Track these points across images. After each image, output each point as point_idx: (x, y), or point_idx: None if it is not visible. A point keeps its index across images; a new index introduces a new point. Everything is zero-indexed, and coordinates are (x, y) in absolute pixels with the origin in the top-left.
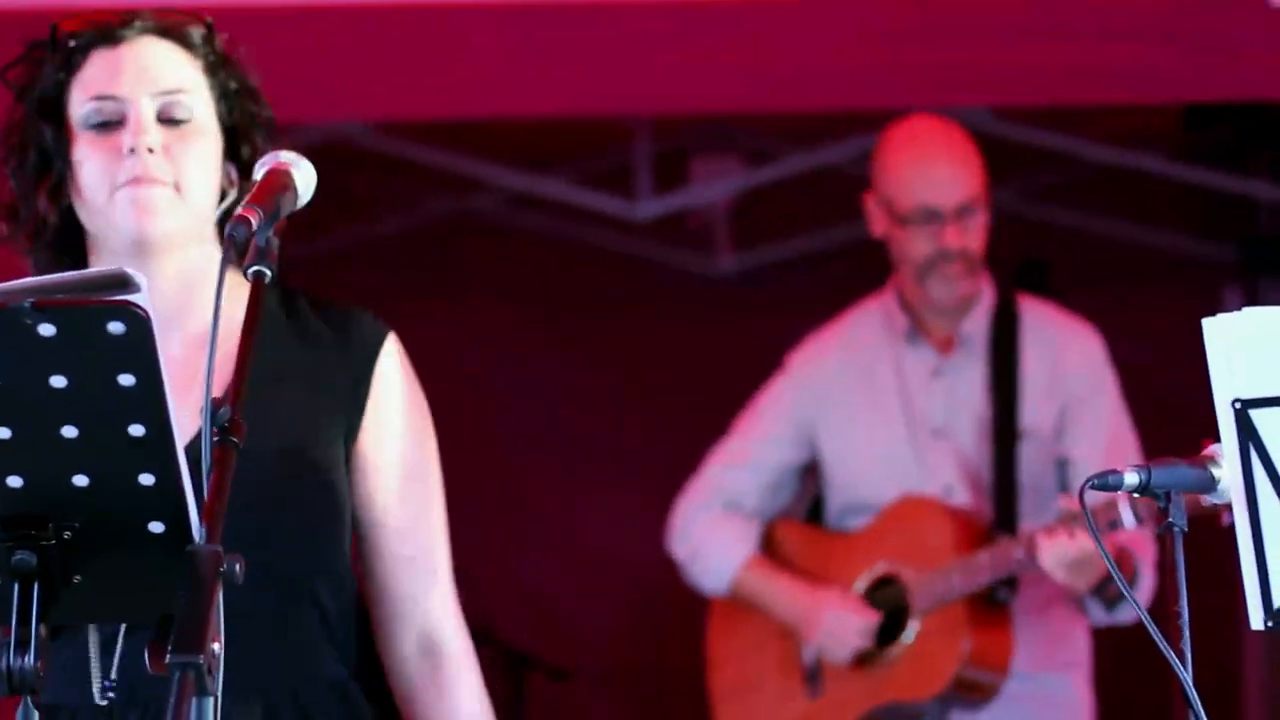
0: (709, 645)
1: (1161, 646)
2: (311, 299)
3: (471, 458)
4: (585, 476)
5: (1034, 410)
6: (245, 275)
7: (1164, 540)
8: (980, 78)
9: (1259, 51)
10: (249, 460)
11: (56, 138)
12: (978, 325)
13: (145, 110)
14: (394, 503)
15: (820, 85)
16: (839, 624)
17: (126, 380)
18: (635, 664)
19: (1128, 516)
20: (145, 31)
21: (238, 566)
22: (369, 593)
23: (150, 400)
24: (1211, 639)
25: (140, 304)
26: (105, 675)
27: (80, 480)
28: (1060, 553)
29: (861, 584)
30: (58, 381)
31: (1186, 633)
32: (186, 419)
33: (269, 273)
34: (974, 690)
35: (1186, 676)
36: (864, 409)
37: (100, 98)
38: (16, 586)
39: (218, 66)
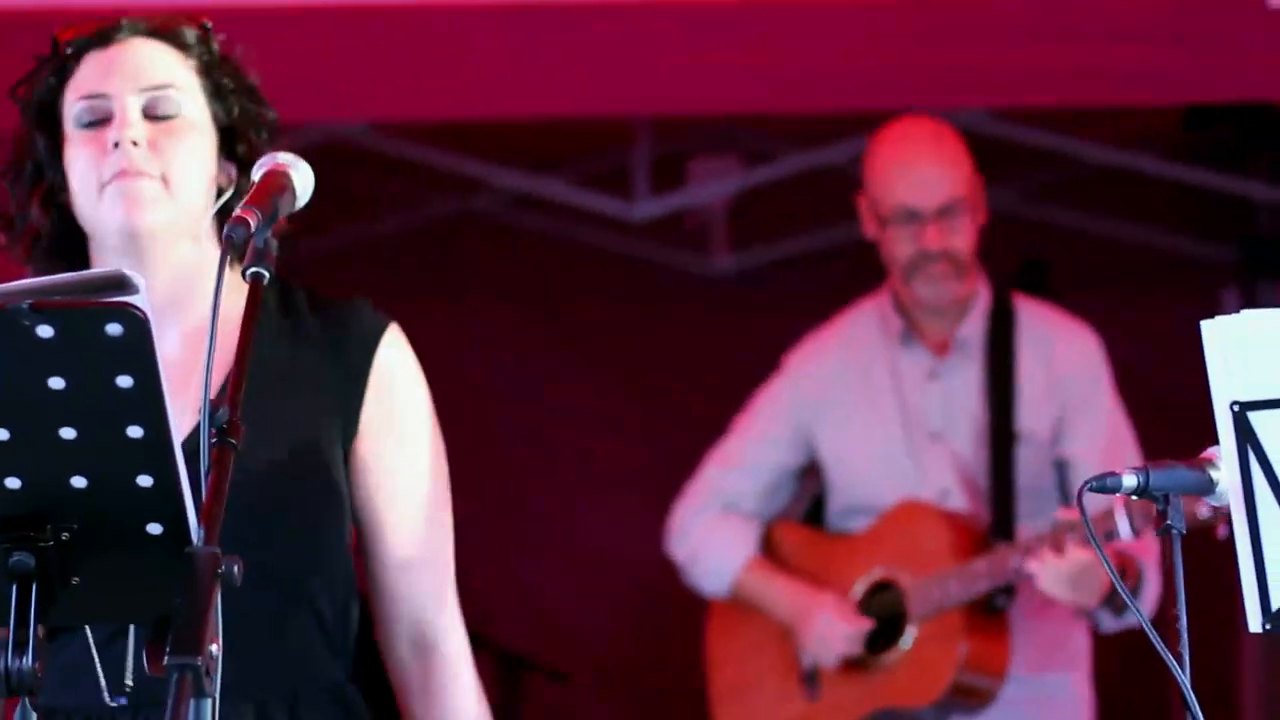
0: (708, 646)
1: (1159, 649)
2: (310, 296)
3: (470, 457)
4: (583, 477)
5: (1031, 413)
6: (244, 276)
7: (1162, 543)
8: (980, 79)
9: (1259, 52)
10: (246, 462)
11: (50, 145)
12: (974, 328)
13: (131, 105)
14: (393, 501)
15: (819, 86)
16: (828, 629)
17: (125, 381)
18: (633, 665)
19: (1124, 527)
20: (136, 33)
21: (236, 568)
22: (368, 591)
23: (148, 401)
24: (1210, 641)
25: (139, 305)
26: (118, 678)
27: (78, 481)
28: (1053, 572)
29: (859, 589)
30: (56, 383)
31: (1185, 635)
32: (182, 416)
33: (267, 274)
34: (971, 695)
35: (1185, 679)
36: (861, 411)
37: (88, 97)
38: (15, 588)
39: (212, 65)
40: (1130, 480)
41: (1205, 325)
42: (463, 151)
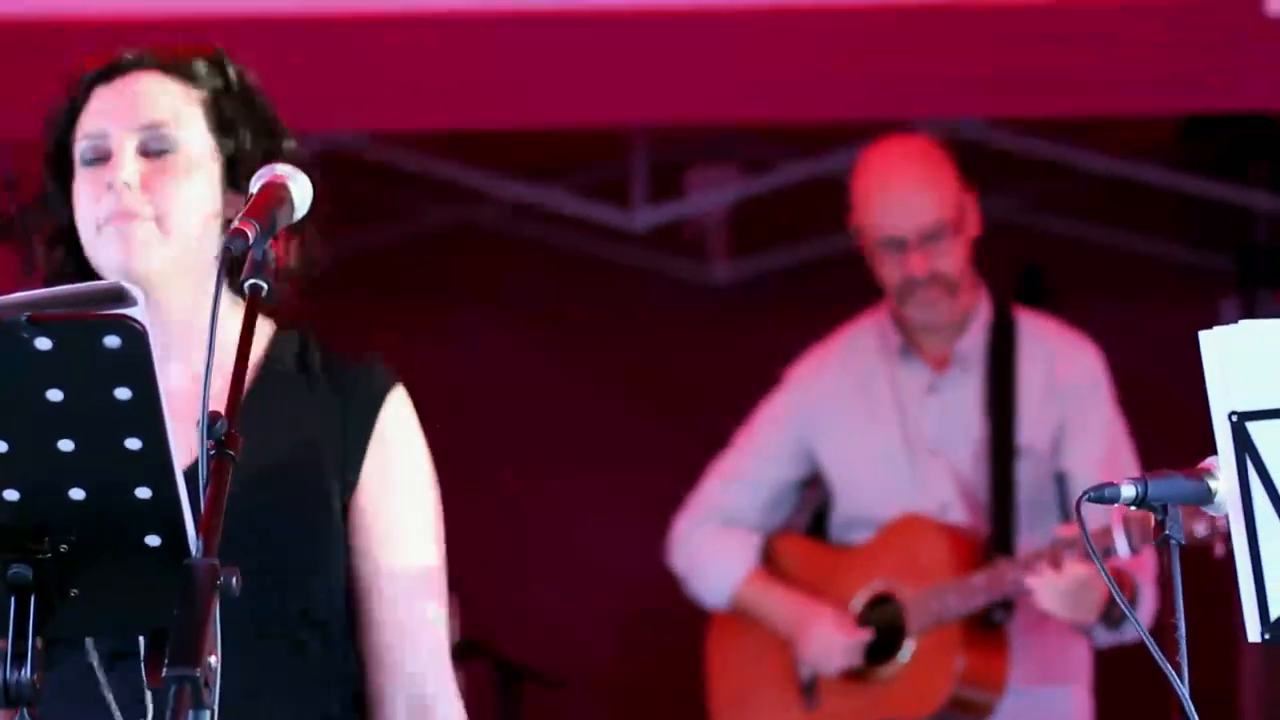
0: (708, 656)
1: (1158, 659)
2: (326, 351)
3: (468, 467)
4: (581, 486)
5: (1031, 426)
6: (241, 289)
7: (1161, 553)
8: (978, 89)
9: (1257, 62)
10: (240, 501)
11: (61, 182)
12: (974, 342)
13: (126, 145)
14: (387, 556)
15: (816, 96)
16: (825, 641)
17: (123, 394)
18: (630, 675)
19: (1122, 545)
20: (142, 66)
21: (234, 579)
22: (360, 651)
23: (147, 414)
24: (1209, 651)
25: (136, 318)
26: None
27: (77, 493)
28: (1051, 588)
29: (859, 601)
30: (54, 395)
31: (1183, 645)
32: (185, 450)
33: (265, 286)
34: (969, 709)
35: (1184, 689)
36: (862, 425)
37: (90, 135)
38: (13, 600)
39: (220, 96)
40: (1129, 490)
41: (1203, 336)
42: (462, 161)
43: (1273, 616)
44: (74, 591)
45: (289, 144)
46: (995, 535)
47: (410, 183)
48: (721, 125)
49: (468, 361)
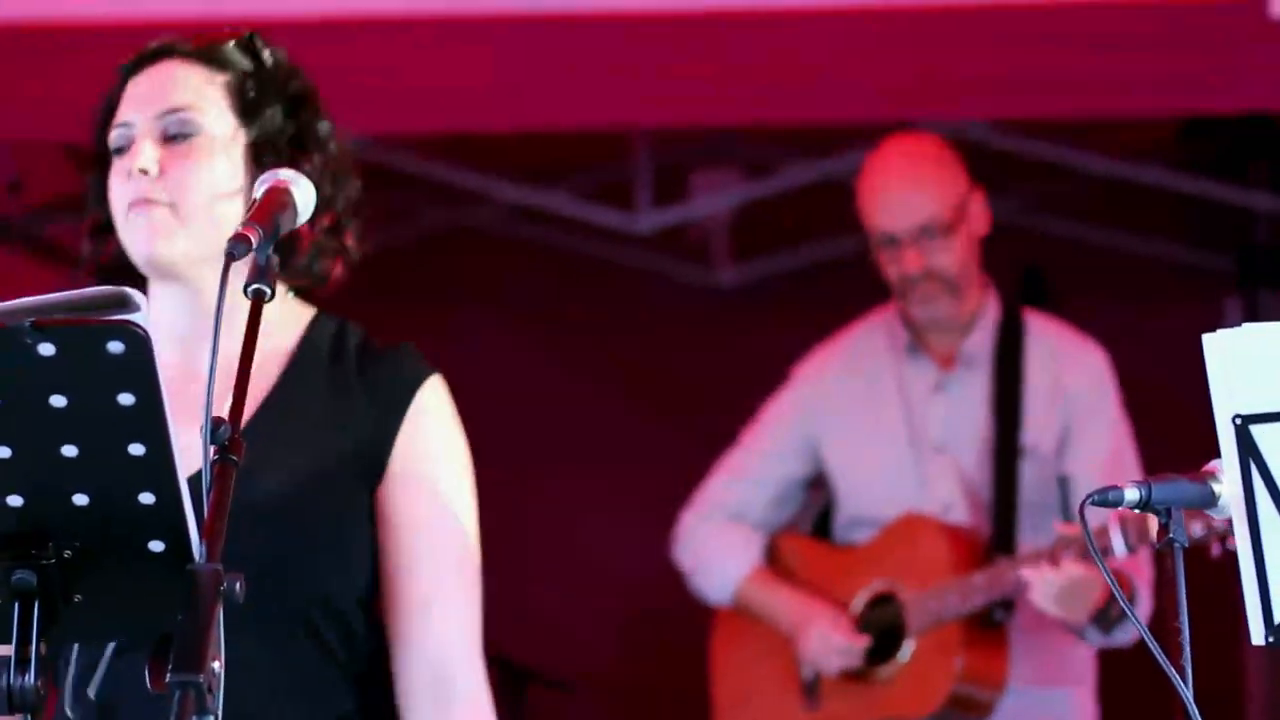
0: (713, 655)
1: (1162, 662)
2: (362, 339)
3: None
4: (584, 488)
5: (1036, 427)
6: (245, 293)
7: (1165, 556)
8: (980, 91)
9: (1259, 63)
10: (259, 488)
11: (102, 176)
12: (981, 341)
13: (146, 132)
14: (412, 543)
15: (820, 98)
16: (823, 643)
17: (126, 399)
18: (630, 675)
19: (1118, 544)
20: (171, 55)
21: (238, 585)
22: (390, 642)
23: (150, 419)
24: (1213, 654)
25: (139, 323)
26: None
27: (80, 499)
28: (1046, 584)
29: (860, 601)
30: (57, 401)
31: (1187, 649)
32: (197, 444)
33: (268, 291)
34: (970, 708)
35: (1187, 692)
36: (867, 423)
37: (118, 125)
38: (16, 605)
39: (246, 78)
40: (1132, 494)
41: (1206, 339)
42: (464, 164)
43: (1277, 619)
44: (78, 597)
45: (323, 127)
46: (997, 536)
47: (412, 185)
48: (724, 128)
49: (469, 364)
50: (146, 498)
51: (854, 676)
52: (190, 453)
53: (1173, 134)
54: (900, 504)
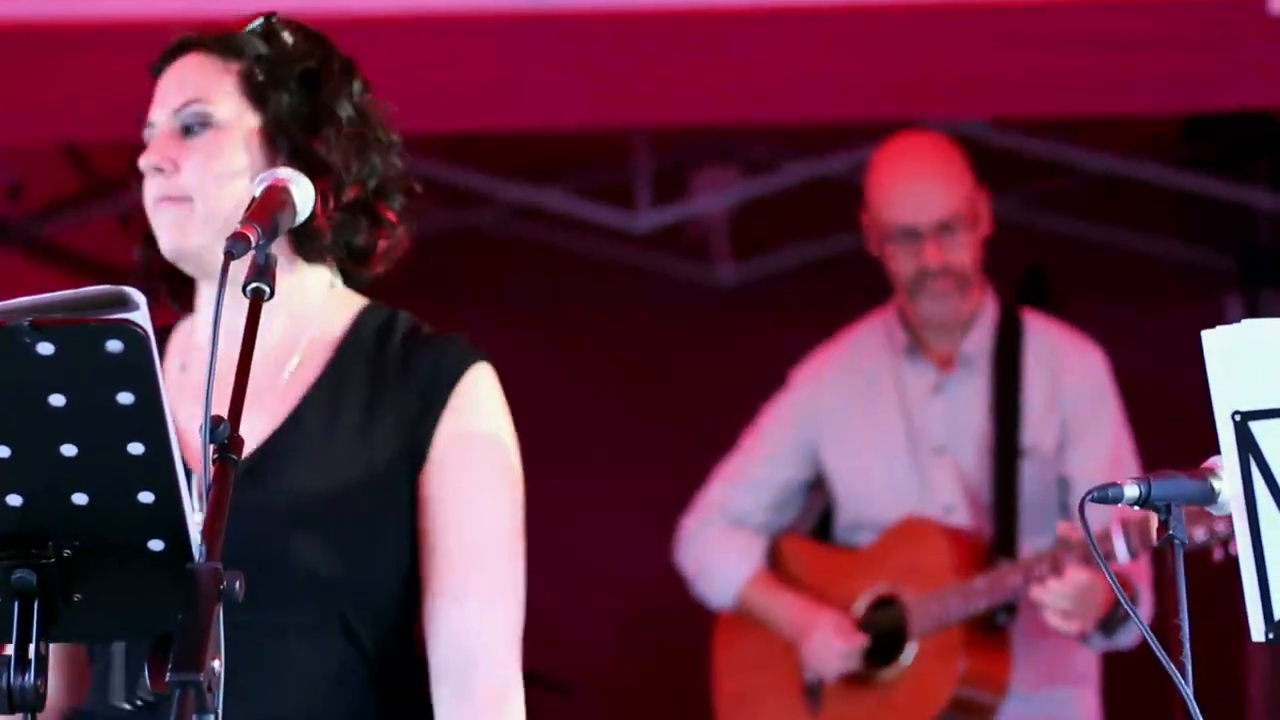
0: (715, 657)
1: (1162, 659)
2: (410, 327)
3: None
4: (584, 487)
5: (1036, 428)
6: (244, 292)
7: (1164, 553)
8: (979, 89)
9: (1260, 60)
10: (292, 479)
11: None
12: (980, 342)
13: (163, 129)
14: (447, 529)
15: (819, 96)
16: (824, 646)
17: (125, 398)
18: (630, 676)
19: (1121, 549)
20: (188, 48)
21: (237, 584)
22: (424, 629)
23: (149, 418)
24: (1214, 651)
25: (139, 322)
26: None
27: (80, 498)
28: (1057, 599)
29: (862, 604)
30: (56, 400)
31: (1187, 646)
32: (266, 418)
33: (267, 289)
34: (972, 711)
35: (1187, 689)
36: (866, 426)
37: (147, 125)
38: (16, 605)
39: (259, 63)
40: (1132, 491)
41: (1206, 335)
42: (463, 164)
43: (1277, 616)
44: (77, 596)
45: (342, 102)
46: (998, 537)
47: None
48: (724, 127)
49: None
50: (146, 496)
51: (856, 680)
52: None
53: (1173, 132)
54: (901, 507)
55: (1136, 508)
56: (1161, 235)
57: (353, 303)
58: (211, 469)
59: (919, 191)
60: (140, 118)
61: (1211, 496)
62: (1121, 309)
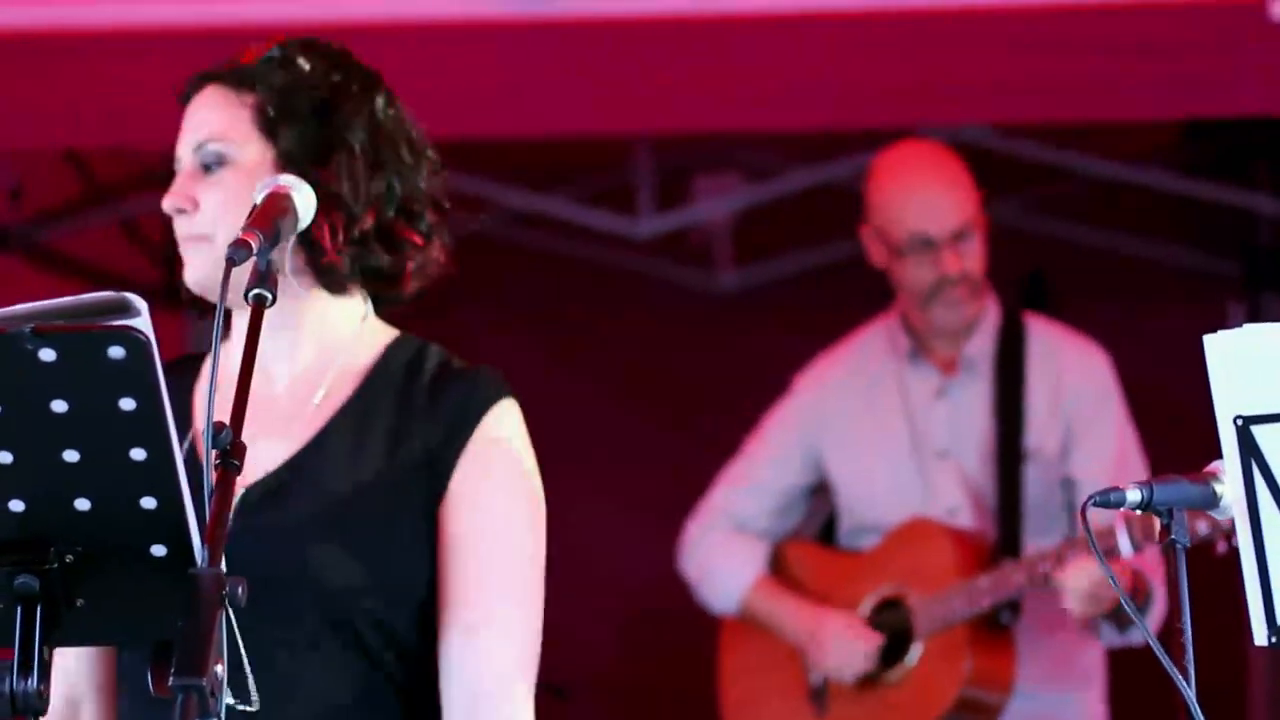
0: (719, 662)
1: (1165, 663)
2: (442, 360)
3: None
4: (585, 491)
5: (1039, 430)
6: (245, 299)
7: (1167, 558)
8: (981, 95)
9: (1261, 66)
10: (310, 510)
11: None
12: (982, 345)
13: (186, 167)
14: (464, 564)
15: (821, 103)
16: (842, 647)
17: (127, 404)
18: (630, 676)
19: (1124, 544)
20: (205, 81)
21: (240, 589)
22: (438, 667)
23: (151, 424)
24: (1217, 648)
25: (140, 328)
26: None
27: (82, 504)
28: (1075, 577)
29: (867, 605)
30: (58, 406)
31: (1190, 649)
32: (274, 455)
33: (269, 296)
34: (978, 710)
35: (1190, 692)
36: (869, 431)
37: (176, 160)
38: (19, 610)
39: (272, 95)
40: (1134, 495)
41: (1208, 340)
42: (465, 170)
43: (1279, 619)
44: (80, 601)
45: (358, 137)
46: (1002, 540)
47: None
48: (725, 133)
49: None
50: (148, 502)
51: (862, 681)
52: (253, 465)
53: (1175, 136)
54: (904, 510)
55: (1139, 512)
56: (1163, 240)
57: (383, 334)
58: (214, 474)
59: (932, 201)
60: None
61: (1214, 501)
62: (1123, 313)
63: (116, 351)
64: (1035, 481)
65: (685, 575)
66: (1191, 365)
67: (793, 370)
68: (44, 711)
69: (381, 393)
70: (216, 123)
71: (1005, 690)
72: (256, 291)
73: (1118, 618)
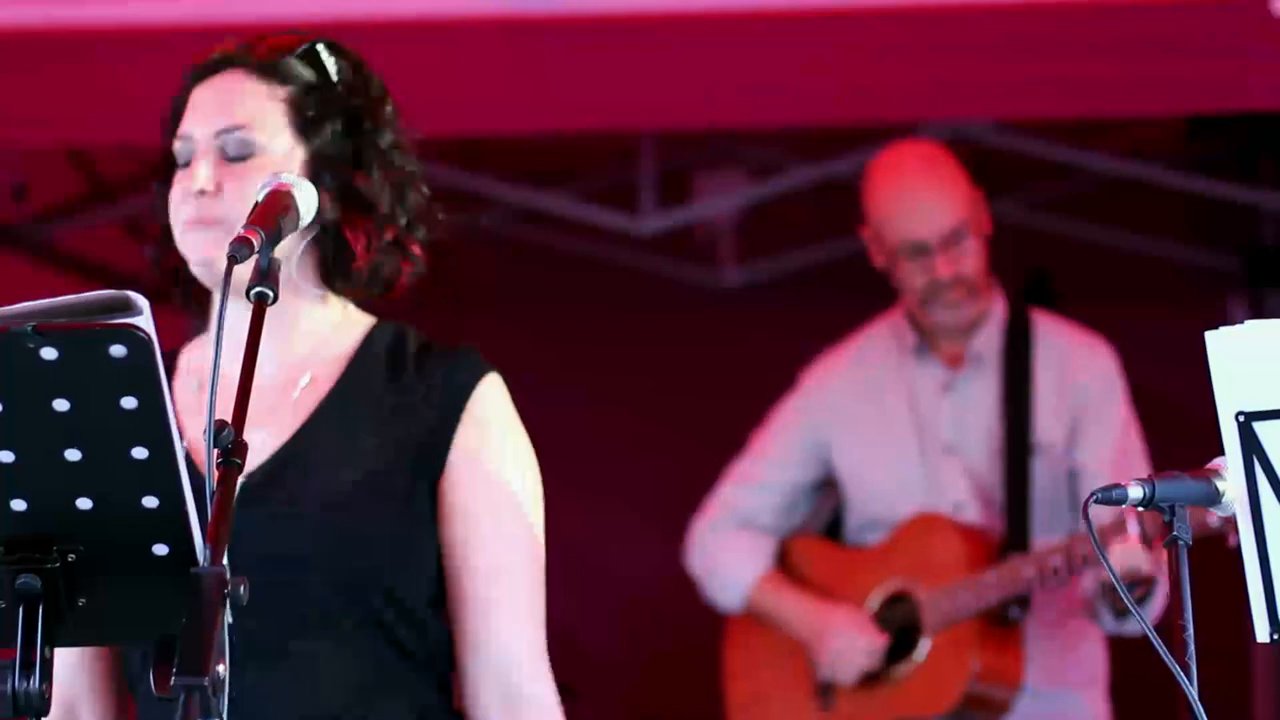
0: (726, 658)
1: (1167, 659)
2: (422, 342)
3: None
4: (589, 493)
5: (1046, 425)
6: (247, 297)
7: (1169, 554)
8: (983, 91)
9: (1264, 63)
10: (315, 497)
11: (165, 181)
12: (989, 341)
13: (205, 150)
14: (473, 543)
15: (823, 100)
16: (846, 644)
17: (129, 403)
18: (641, 682)
19: (1135, 534)
20: (231, 65)
21: (242, 588)
22: (455, 643)
23: (153, 423)
24: (1220, 643)
25: (142, 327)
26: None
27: (84, 503)
28: (1125, 562)
29: (874, 601)
30: (60, 405)
31: (1192, 646)
32: (263, 443)
33: (270, 294)
34: (986, 706)
35: (1192, 690)
36: (876, 427)
37: (181, 138)
38: (21, 609)
39: (307, 93)
40: (1136, 492)
41: (1210, 336)
42: (468, 167)
43: None
44: (82, 600)
45: (385, 139)
46: (1010, 535)
47: None
48: (728, 130)
49: None
50: (150, 501)
51: (869, 677)
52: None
53: (1178, 133)
54: (911, 505)
55: (1141, 509)
56: (1166, 237)
57: (362, 321)
58: (216, 473)
59: (922, 206)
60: (164, 123)
61: (1216, 497)
62: (1126, 311)
63: (118, 350)
64: (1043, 476)
65: (691, 572)
66: (1194, 362)
67: (797, 367)
68: (46, 712)
69: (366, 377)
70: (247, 111)
71: (1014, 686)
72: (259, 289)
73: (1117, 603)
